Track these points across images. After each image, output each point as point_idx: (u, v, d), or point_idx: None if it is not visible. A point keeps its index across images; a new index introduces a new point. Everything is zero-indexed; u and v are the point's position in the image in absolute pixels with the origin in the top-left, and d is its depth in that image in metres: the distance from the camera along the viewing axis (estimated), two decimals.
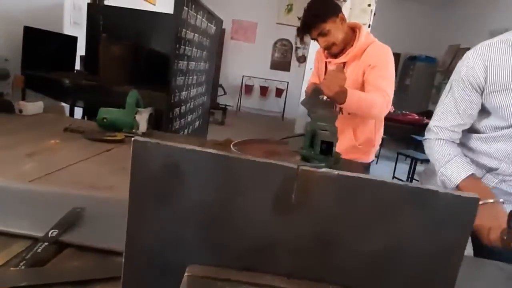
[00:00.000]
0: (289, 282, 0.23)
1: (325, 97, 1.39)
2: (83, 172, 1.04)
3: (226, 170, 0.22)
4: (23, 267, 0.53)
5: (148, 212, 0.24)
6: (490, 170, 1.19)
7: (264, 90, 9.68)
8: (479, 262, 0.76)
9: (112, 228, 0.55)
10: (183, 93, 2.84)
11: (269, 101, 9.82)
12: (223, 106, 7.75)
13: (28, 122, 1.52)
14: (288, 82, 9.38)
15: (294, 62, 9.54)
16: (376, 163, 2.05)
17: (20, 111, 1.60)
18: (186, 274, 0.24)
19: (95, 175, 1.02)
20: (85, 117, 3.48)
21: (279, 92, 9.59)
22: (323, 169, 0.23)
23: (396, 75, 11.49)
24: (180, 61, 2.65)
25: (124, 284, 0.27)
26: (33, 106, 1.65)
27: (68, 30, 3.82)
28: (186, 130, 3.12)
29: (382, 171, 5.62)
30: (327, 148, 1.34)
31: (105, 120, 1.48)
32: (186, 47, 2.73)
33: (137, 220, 0.24)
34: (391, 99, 1.56)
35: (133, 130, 1.48)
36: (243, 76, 9.49)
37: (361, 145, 1.75)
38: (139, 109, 1.53)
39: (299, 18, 1.61)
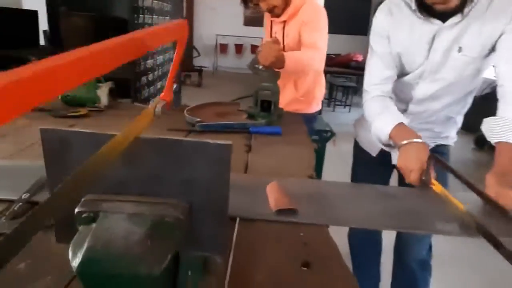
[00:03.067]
0: (136, 197, 0.43)
1: (260, 66, 1.52)
2: None
3: (95, 141, 0.40)
4: (4, 221, 0.72)
5: (55, 166, 0.43)
6: (403, 111, 1.38)
7: (239, 48, 9.62)
8: (360, 186, 0.98)
9: None
10: (149, 61, 2.93)
11: (245, 58, 9.78)
12: (199, 68, 7.74)
13: None
14: (262, 38, 9.26)
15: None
16: (320, 113, 2.24)
17: None
18: (83, 199, 0.43)
19: None
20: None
21: (254, 49, 9.52)
22: (144, 136, 0.41)
23: None
24: None
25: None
26: None
27: (27, 5, 3.76)
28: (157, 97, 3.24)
29: None
30: (268, 106, 1.53)
31: (68, 97, 1.61)
32: (146, 16, 2.78)
33: (52, 170, 0.43)
34: (325, 52, 1.71)
35: (96, 104, 1.63)
36: (216, 35, 9.37)
37: (303, 97, 1.92)
38: (99, 83, 1.66)
39: None
